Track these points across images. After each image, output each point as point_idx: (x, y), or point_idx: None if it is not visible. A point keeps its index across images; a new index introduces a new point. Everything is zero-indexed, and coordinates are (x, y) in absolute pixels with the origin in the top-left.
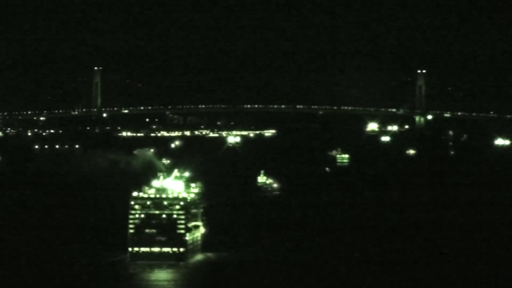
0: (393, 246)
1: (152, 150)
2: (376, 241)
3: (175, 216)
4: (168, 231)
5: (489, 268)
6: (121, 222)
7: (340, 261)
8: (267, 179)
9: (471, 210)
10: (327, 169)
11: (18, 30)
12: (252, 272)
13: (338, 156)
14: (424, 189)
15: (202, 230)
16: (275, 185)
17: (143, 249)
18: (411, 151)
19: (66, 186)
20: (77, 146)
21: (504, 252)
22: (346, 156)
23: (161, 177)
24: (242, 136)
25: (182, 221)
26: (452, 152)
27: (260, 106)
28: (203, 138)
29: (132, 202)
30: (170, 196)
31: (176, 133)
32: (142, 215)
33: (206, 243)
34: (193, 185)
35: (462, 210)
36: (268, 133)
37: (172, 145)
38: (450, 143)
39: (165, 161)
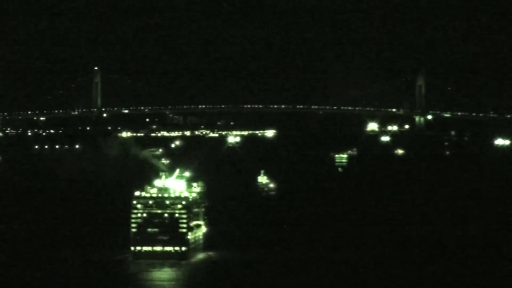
0: (392, 246)
1: (160, 150)
2: (374, 240)
3: (177, 215)
4: (170, 230)
5: (488, 268)
6: (122, 220)
7: (339, 260)
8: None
9: (466, 211)
10: (339, 169)
11: (18, 31)
12: (253, 271)
13: (336, 156)
14: (408, 188)
15: (203, 229)
16: (271, 185)
17: (145, 248)
18: (400, 151)
19: (66, 185)
20: (77, 146)
21: (503, 251)
22: (345, 156)
23: (163, 177)
24: (242, 136)
25: (184, 220)
26: (447, 152)
27: (260, 106)
28: (203, 138)
29: (135, 202)
30: (172, 195)
31: (176, 133)
32: (145, 215)
33: (208, 242)
34: (194, 184)
35: (454, 211)
36: (268, 133)
37: (172, 145)
38: (446, 143)
39: (165, 161)
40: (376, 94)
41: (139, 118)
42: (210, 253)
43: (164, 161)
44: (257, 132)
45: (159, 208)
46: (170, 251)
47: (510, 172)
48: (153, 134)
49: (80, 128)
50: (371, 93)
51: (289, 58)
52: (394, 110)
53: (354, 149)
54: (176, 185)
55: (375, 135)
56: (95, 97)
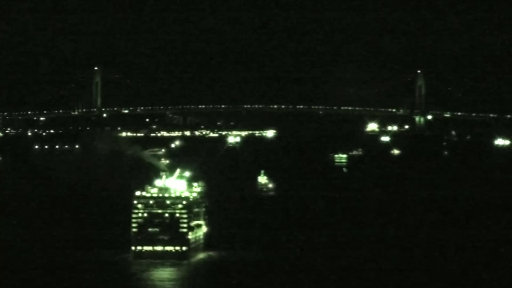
0: (390, 246)
1: (163, 150)
2: (374, 240)
3: (177, 215)
4: (170, 230)
5: (487, 269)
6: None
7: (338, 260)
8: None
9: (466, 211)
10: (344, 169)
11: (18, 30)
12: (253, 271)
13: (336, 156)
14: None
15: (204, 229)
16: (270, 185)
17: (146, 247)
18: (396, 151)
19: (66, 185)
20: (77, 146)
21: (502, 252)
22: (345, 156)
23: (164, 177)
24: (242, 136)
25: (185, 220)
26: (446, 152)
27: (260, 106)
28: (203, 138)
29: (135, 201)
30: (173, 195)
31: (176, 133)
32: (145, 214)
33: (208, 242)
34: (195, 184)
35: (454, 211)
36: (268, 133)
37: (172, 145)
38: (445, 143)
39: (165, 161)
40: (376, 94)
41: (139, 118)
42: (211, 253)
43: (164, 161)
44: (257, 132)
45: (159, 208)
46: (170, 250)
47: (510, 172)
48: (153, 134)
49: (80, 128)
50: (371, 93)
51: (289, 58)
52: (394, 110)
53: (360, 149)
54: (176, 185)
55: (375, 135)
56: (95, 97)
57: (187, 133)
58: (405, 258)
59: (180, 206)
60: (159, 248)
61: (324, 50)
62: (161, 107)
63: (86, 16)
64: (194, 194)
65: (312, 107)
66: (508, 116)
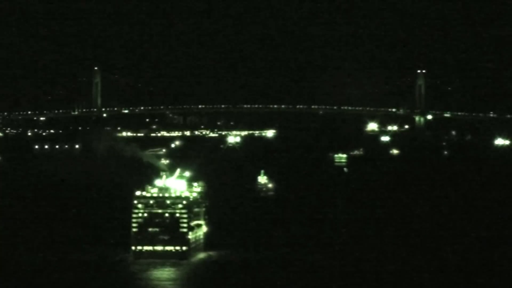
0: (390, 246)
1: (164, 150)
2: (374, 240)
3: (177, 215)
4: (171, 229)
5: (487, 269)
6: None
7: (338, 260)
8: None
9: (466, 212)
10: (345, 169)
11: (18, 30)
12: (253, 271)
13: (336, 156)
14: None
15: (204, 228)
16: (270, 185)
17: (146, 247)
18: (396, 151)
19: (66, 185)
20: (77, 146)
21: (503, 252)
22: (344, 156)
23: (164, 177)
24: (242, 136)
25: (185, 220)
26: (445, 152)
27: (260, 106)
28: (203, 138)
29: (135, 201)
30: (173, 195)
31: (176, 133)
32: (145, 214)
33: (209, 242)
34: (195, 184)
35: (454, 211)
36: (268, 133)
37: (172, 145)
38: (444, 143)
39: (165, 161)
40: (376, 94)
41: (139, 118)
42: (211, 253)
43: (164, 161)
44: (257, 132)
45: (159, 208)
46: (170, 250)
47: (510, 172)
48: (153, 134)
49: (80, 128)
50: (371, 93)
51: (289, 58)
52: (394, 110)
53: (360, 149)
54: (176, 185)
55: (375, 135)
56: (95, 97)
57: (187, 133)
58: (404, 258)
59: (180, 206)
60: (159, 248)
61: (324, 50)
62: (161, 107)
63: (86, 16)
64: (194, 194)
65: (312, 107)
66: (508, 116)
